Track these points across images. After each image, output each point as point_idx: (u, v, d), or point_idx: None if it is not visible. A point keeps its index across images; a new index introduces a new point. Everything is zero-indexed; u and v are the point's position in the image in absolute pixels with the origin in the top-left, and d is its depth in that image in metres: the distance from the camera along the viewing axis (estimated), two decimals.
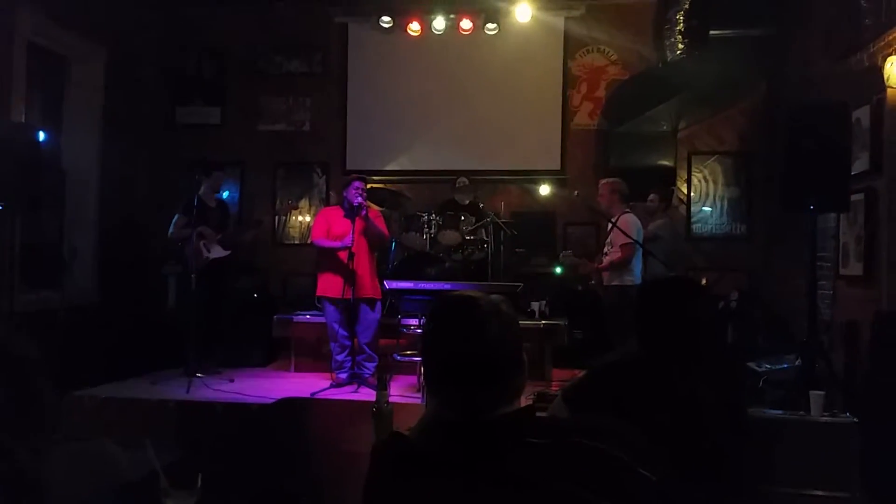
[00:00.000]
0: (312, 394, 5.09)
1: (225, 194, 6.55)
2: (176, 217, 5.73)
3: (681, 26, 6.73)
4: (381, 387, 2.16)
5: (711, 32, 6.74)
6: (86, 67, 6.71)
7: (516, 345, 1.36)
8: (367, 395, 4.83)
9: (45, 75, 6.42)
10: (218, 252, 5.75)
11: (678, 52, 6.79)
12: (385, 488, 1.32)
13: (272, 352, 6.46)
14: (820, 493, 3.60)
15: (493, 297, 1.40)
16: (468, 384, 1.30)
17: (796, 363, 4.39)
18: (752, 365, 4.60)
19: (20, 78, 5.69)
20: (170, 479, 1.50)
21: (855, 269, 4.93)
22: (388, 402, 2.14)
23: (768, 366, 4.54)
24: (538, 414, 1.41)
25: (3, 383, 1.39)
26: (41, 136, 5.08)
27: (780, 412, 3.87)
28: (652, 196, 6.39)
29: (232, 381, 5.48)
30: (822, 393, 3.80)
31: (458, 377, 1.31)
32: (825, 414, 3.78)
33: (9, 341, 1.44)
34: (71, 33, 6.38)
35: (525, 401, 1.46)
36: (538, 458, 1.24)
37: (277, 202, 7.77)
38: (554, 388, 5.11)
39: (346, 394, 5.20)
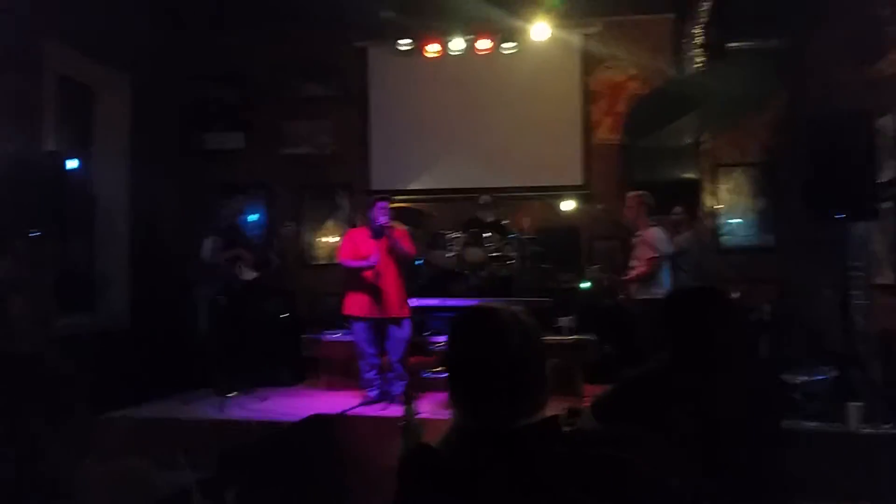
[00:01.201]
0: (342, 411, 5.10)
1: (252, 217, 6.64)
2: (209, 239, 5.80)
3: (699, 40, 6.72)
4: (408, 401, 2.17)
5: (730, 45, 6.72)
6: (112, 96, 6.86)
7: (538, 355, 1.37)
8: (397, 412, 4.82)
9: (74, 105, 6.57)
10: (249, 274, 5.85)
11: (697, 66, 6.77)
12: (413, 499, 1.33)
13: (302, 371, 6.50)
14: None
15: (515, 308, 1.42)
16: (490, 393, 1.31)
17: (831, 374, 4.31)
18: (786, 377, 4.53)
19: (50, 108, 5.84)
20: (203, 493, 1.52)
21: (888, 277, 4.85)
22: (415, 416, 2.14)
23: (804, 377, 4.47)
24: (565, 428, 1.41)
25: (45, 403, 1.43)
26: (71, 163, 5.19)
27: (816, 424, 3.81)
28: (676, 209, 6.35)
29: (265, 399, 5.52)
30: (860, 404, 3.73)
31: (479, 387, 1.32)
32: (864, 425, 3.70)
33: (54, 364, 1.48)
34: (97, 63, 6.53)
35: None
36: (561, 467, 1.25)
37: (303, 224, 7.83)
38: (585, 404, 5.06)
39: (376, 411, 5.20)
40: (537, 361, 1.36)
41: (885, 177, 4.65)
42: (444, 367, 1.43)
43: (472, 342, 1.37)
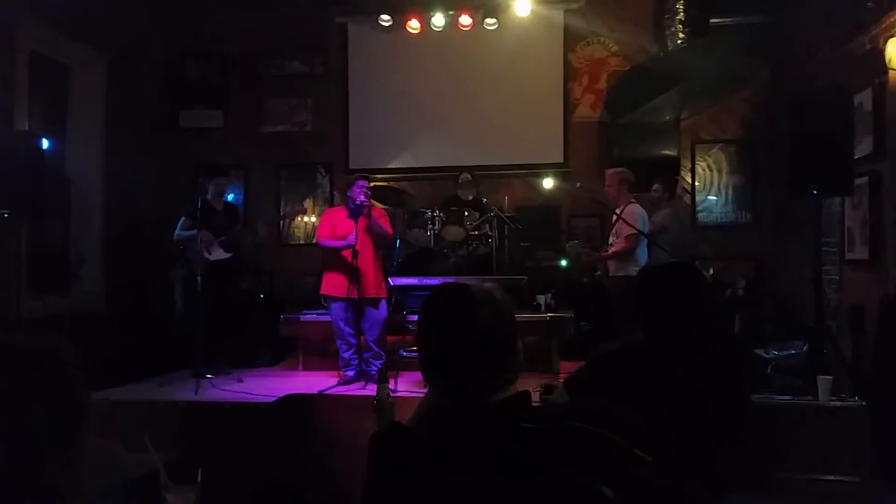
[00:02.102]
0: (320, 391, 5.10)
1: (230, 197, 6.58)
2: (182, 220, 5.77)
3: (681, 16, 6.70)
4: (382, 379, 2.17)
5: (712, 21, 6.71)
6: (87, 75, 6.74)
7: (509, 331, 1.37)
8: (374, 391, 4.83)
9: (48, 84, 6.45)
10: (219, 254, 5.78)
11: (679, 42, 6.76)
12: (384, 477, 1.33)
13: (280, 351, 6.49)
14: (830, 477, 3.58)
15: (487, 284, 1.41)
16: (461, 370, 1.30)
17: (804, 349, 4.37)
18: (759, 352, 4.59)
19: (23, 87, 5.73)
20: (171, 475, 1.51)
21: (861, 253, 4.91)
22: (388, 394, 2.15)
23: (776, 352, 4.53)
24: (536, 402, 1.41)
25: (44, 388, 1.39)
26: (45, 144, 5.10)
27: (788, 398, 3.86)
28: (656, 186, 6.37)
29: (240, 381, 5.50)
30: (829, 378, 3.78)
31: (450, 363, 1.32)
32: (833, 398, 3.76)
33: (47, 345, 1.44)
34: (72, 41, 6.41)
35: (533, 394, 1.47)
36: (534, 442, 1.25)
37: (282, 204, 7.79)
38: (561, 380, 5.10)
39: (354, 390, 5.22)
40: (508, 337, 1.36)
41: (860, 152, 4.69)
42: (416, 345, 1.42)
43: (443, 318, 1.37)
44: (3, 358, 1.34)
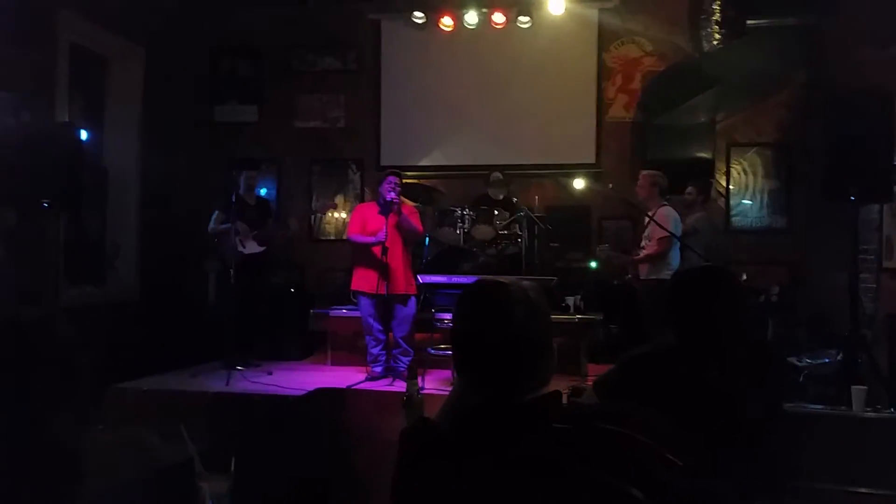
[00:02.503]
0: (348, 386, 5.14)
1: (263, 191, 6.65)
2: (215, 213, 5.85)
3: (717, 16, 6.62)
4: (411, 376, 2.18)
5: (748, 22, 6.61)
6: (125, 67, 6.86)
7: (544, 331, 1.37)
8: (402, 387, 4.85)
9: (87, 76, 6.58)
10: (253, 248, 5.86)
11: (715, 43, 6.68)
12: (414, 473, 1.34)
13: (309, 346, 6.54)
14: (863, 490, 3.51)
15: (524, 283, 1.41)
16: (494, 367, 1.31)
17: (838, 358, 4.30)
18: (792, 360, 4.52)
19: (63, 78, 5.85)
20: (205, 463, 1.54)
21: None
22: (418, 391, 2.16)
23: (809, 360, 4.46)
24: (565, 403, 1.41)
25: (52, 373, 1.44)
26: (83, 135, 5.21)
27: (820, 407, 3.79)
28: (689, 189, 6.29)
29: (270, 373, 5.56)
30: (864, 388, 3.71)
31: (484, 360, 1.32)
32: (868, 409, 3.68)
33: (58, 333, 1.49)
34: (110, 34, 6.53)
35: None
36: (564, 442, 1.25)
37: (314, 199, 7.85)
38: (589, 383, 5.08)
39: (381, 386, 5.24)
40: (544, 336, 1.36)
41: None
42: (450, 341, 1.42)
43: (479, 314, 1.37)
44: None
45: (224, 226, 5.73)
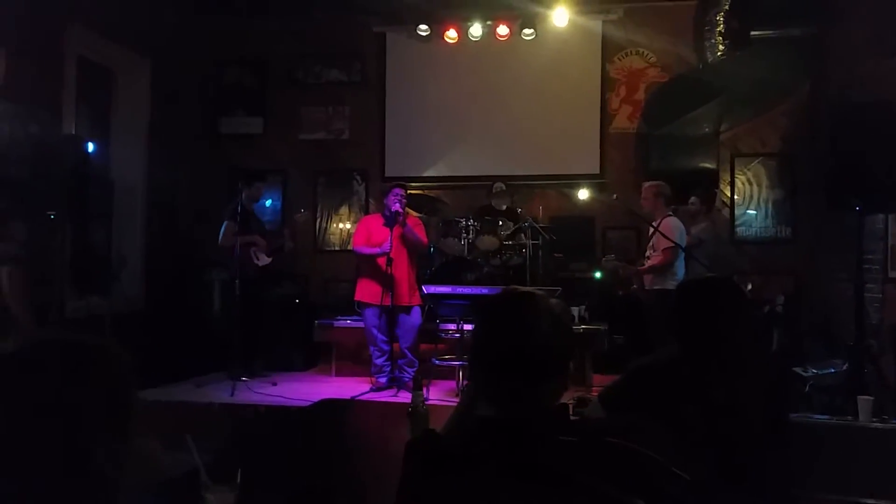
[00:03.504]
0: (352, 397, 5.13)
1: (268, 203, 6.65)
2: (225, 225, 5.81)
3: (721, 27, 6.65)
4: (416, 387, 2.18)
5: (752, 33, 6.63)
6: (131, 80, 6.91)
7: (566, 346, 1.37)
8: (407, 398, 4.85)
9: (94, 88, 6.62)
10: (264, 259, 5.89)
11: (719, 54, 6.70)
12: (419, 485, 1.34)
13: (314, 356, 6.54)
14: (870, 501, 3.49)
15: (552, 299, 1.41)
16: (515, 378, 1.31)
17: (843, 368, 4.28)
18: (798, 370, 4.50)
19: (70, 91, 5.89)
20: (210, 475, 1.54)
21: None
22: (423, 402, 2.16)
23: (814, 370, 4.44)
24: (573, 417, 1.41)
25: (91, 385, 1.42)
26: (90, 147, 5.24)
27: (826, 417, 3.77)
28: (693, 199, 6.30)
29: (275, 384, 5.56)
30: (870, 398, 3.69)
31: (506, 370, 1.32)
32: (875, 419, 3.66)
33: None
34: (117, 47, 6.57)
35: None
36: (571, 455, 1.25)
37: (319, 210, 7.87)
38: (594, 394, 5.06)
39: (386, 397, 5.24)
40: (565, 351, 1.37)
41: None
42: (469, 348, 1.41)
43: (505, 322, 1.36)
44: (53, 351, 1.38)
45: (236, 237, 5.64)
